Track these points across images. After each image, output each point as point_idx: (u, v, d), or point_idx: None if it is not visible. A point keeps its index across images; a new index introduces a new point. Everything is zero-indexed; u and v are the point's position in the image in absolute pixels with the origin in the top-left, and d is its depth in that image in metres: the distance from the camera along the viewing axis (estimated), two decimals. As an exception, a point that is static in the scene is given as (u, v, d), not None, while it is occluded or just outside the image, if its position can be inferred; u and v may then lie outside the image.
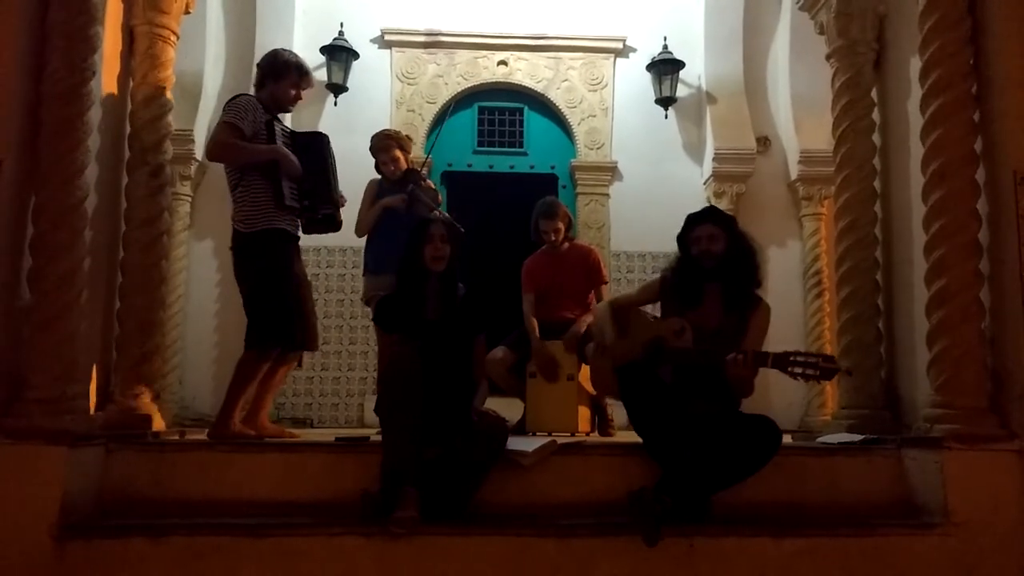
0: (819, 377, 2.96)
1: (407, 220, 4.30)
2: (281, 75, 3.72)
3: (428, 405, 3.04)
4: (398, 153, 4.53)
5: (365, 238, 4.56)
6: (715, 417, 3.07)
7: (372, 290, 4.40)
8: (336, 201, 3.82)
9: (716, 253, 3.26)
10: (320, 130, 5.98)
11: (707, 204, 6.59)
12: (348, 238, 4.41)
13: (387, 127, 6.64)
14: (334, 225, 3.86)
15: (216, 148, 3.60)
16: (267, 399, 3.75)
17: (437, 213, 4.30)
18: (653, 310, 3.57)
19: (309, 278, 3.96)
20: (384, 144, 4.55)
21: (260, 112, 3.62)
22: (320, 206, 3.74)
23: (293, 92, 3.75)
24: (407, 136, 4.77)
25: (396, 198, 4.41)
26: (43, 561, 2.75)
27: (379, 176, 4.64)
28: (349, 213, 4.16)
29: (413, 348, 3.13)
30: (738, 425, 3.06)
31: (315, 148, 3.76)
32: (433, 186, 4.61)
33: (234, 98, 3.67)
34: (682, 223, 3.43)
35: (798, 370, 2.96)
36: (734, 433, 3.01)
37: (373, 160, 4.63)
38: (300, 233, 3.77)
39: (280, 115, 3.83)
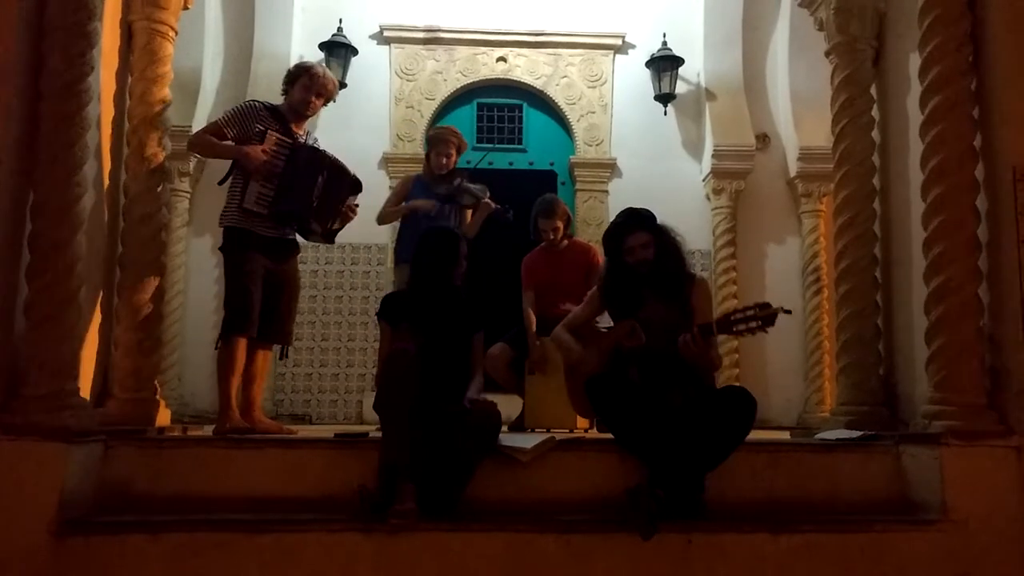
0: (763, 327, 3.03)
1: (448, 212, 4.40)
2: (295, 80, 3.86)
3: (426, 400, 3.06)
4: (453, 151, 4.63)
5: (398, 227, 4.69)
6: (693, 403, 3.09)
7: (403, 282, 4.41)
8: (306, 219, 3.74)
9: (649, 259, 3.31)
10: (319, 126, 6.05)
11: (708, 198, 6.63)
12: (347, 235, 4.40)
13: (386, 123, 6.71)
14: (315, 237, 3.90)
15: (192, 139, 3.94)
16: (251, 393, 3.79)
17: (487, 200, 4.46)
18: (603, 320, 3.62)
19: (302, 276, 4.02)
20: (447, 137, 4.66)
21: (261, 119, 3.74)
22: (290, 219, 3.73)
23: (304, 95, 3.83)
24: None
25: (428, 202, 4.48)
26: (41, 557, 2.74)
27: (416, 173, 4.78)
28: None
29: (411, 345, 3.14)
30: (713, 402, 3.09)
31: (301, 161, 3.72)
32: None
33: (242, 102, 3.90)
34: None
35: (742, 327, 3.05)
36: (711, 412, 3.04)
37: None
38: (280, 235, 3.77)
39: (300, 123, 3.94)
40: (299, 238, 3.93)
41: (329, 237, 3.92)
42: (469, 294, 3.54)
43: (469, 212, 4.56)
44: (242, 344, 3.64)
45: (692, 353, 3.07)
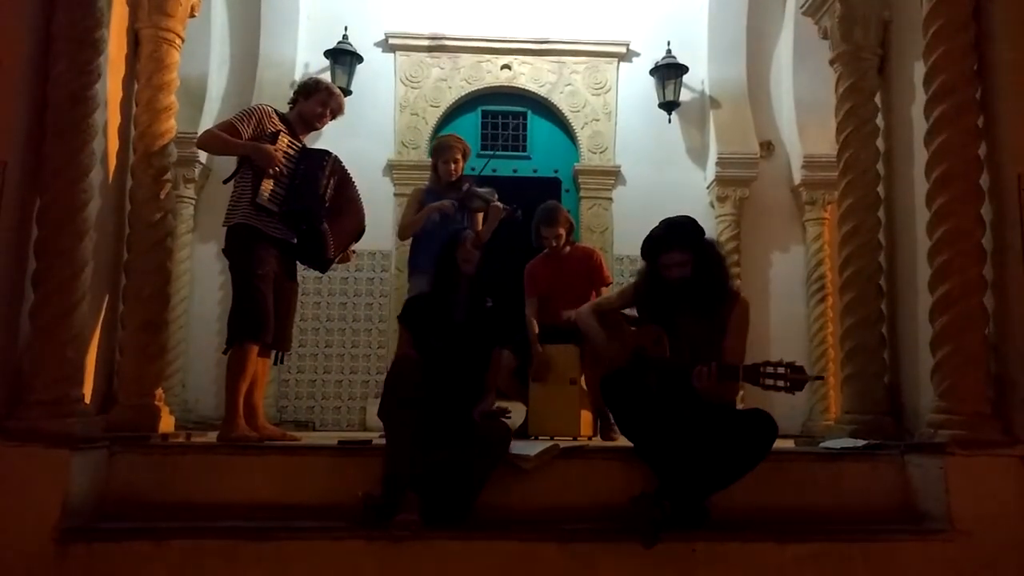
0: (789, 389, 2.93)
1: (459, 219, 4.40)
2: (311, 93, 3.91)
3: (437, 407, 3.07)
4: (460, 156, 4.63)
5: (409, 240, 4.64)
6: (706, 418, 3.06)
7: (417, 290, 4.43)
8: (318, 218, 3.69)
9: (687, 276, 3.23)
10: (324, 132, 6.00)
11: (712, 206, 6.62)
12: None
13: (391, 130, 6.73)
14: (319, 249, 3.75)
15: (203, 136, 3.89)
16: (253, 399, 3.77)
17: (496, 204, 4.43)
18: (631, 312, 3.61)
19: (307, 282, 3.99)
20: (452, 144, 4.66)
21: (272, 121, 3.76)
22: (304, 218, 3.70)
23: (320, 109, 3.88)
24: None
25: (445, 202, 4.46)
26: (44, 564, 2.74)
27: (425, 185, 4.76)
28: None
29: (426, 353, 3.14)
30: (731, 423, 3.05)
31: (313, 162, 3.74)
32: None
33: (252, 105, 3.90)
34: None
35: (769, 382, 2.93)
36: (726, 432, 3.00)
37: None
38: (286, 238, 3.75)
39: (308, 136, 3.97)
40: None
41: (325, 266, 3.90)
42: (497, 305, 3.52)
43: (480, 217, 4.55)
44: (254, 351, 3.63)
45: (703, 386, 2.99)
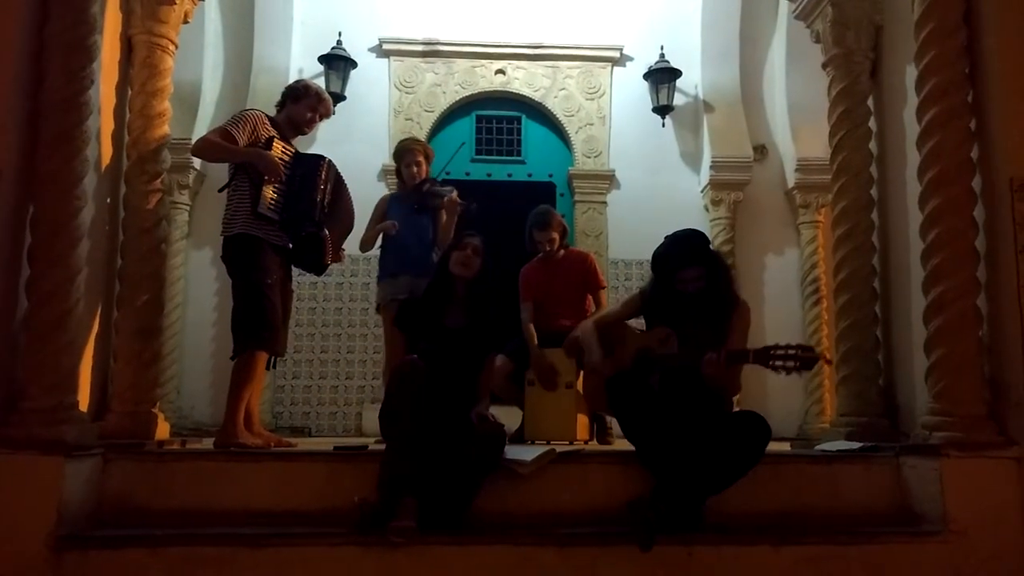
0: (800, 368, 2.99)
1: (421, 223, 4.45)
2: (300, 97, 3.89)
3: (431, 412, 3.06)
4: (422, 159, 4.66)
5: (379, 246, 4.66)
6: (704, 421, 3.08)
7: (390, 294, 4.48)
8: (319, 221, 3.72)
9: (701, 288, 3.28)
10: (318, 137, 6.08)
11: (706, 209, 6.64)
12: (346, 247, 4.44)
13: (385, 135, 6.73)
14: (317, 254, 3.76)
15: (198, 143, 3.79)
16: (250, 404, 3.75)
17: (452, 197, 4.46)
18: (636, 323, 3.61)
19: (302, 287, 3.97)
20: (412, 147, 4.71)
21: (265, 127, 3.74)
22: (304, 224, 3.71)
23: (310, 114, 3.88)
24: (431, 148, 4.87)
25: (388, 224, 4.54)
26: (39, 571, 2.73)
27: (392, 191, 4.75)
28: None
29: (419, 357, 3.15)
30: (726, 426, 3.07)
31: (309, 168, 3.76)
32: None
33: (243, 110, 3.84)
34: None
35: (779, 363, 2.99)
36: (723, 436, 3.02)
37: (392, 168, 4.79)
38: (285, 244, 3.76)
39: (295, 139, 3.95)
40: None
41: (321, 270, 3.90)
42: (497, 313, 3.50)
43: (444, 215, 4.55)
44: (263, 359, 3.63)
45: (712, 372, 3.04)
